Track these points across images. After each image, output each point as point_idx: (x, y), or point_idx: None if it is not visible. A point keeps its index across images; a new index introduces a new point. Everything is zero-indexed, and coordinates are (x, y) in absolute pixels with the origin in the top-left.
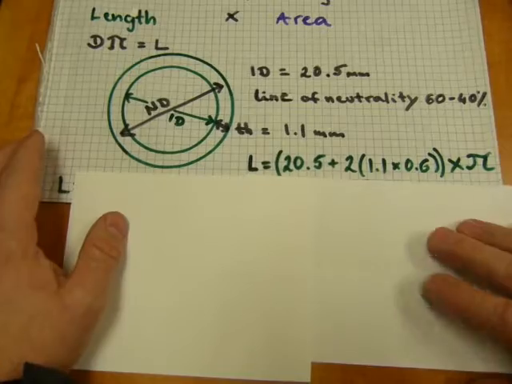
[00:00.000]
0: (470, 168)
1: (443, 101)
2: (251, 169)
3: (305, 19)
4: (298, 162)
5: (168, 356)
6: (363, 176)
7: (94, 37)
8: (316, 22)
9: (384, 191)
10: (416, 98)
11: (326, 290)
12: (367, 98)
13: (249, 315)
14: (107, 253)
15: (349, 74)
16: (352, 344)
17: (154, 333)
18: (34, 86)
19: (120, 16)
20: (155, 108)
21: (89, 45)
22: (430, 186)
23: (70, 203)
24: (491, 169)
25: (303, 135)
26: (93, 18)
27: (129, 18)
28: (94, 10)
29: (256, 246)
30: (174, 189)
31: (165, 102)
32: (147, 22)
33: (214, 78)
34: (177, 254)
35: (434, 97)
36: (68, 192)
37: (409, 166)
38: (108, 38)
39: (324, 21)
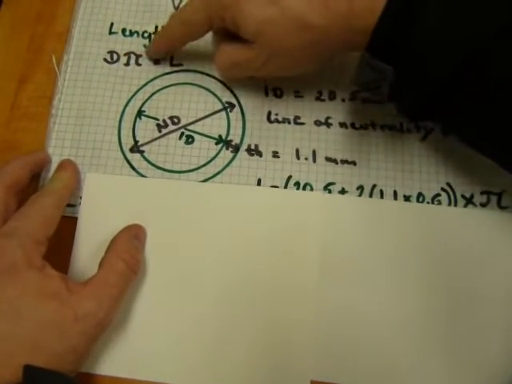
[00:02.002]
0: (483, 205)
1: None
2: None
3: None
4: (308, 189)
5: (168, 364)
6: None
7: (111, 52)
8: None
9: (395, 212)
10: (432, 129)
11: (330, 308)
12: (382, 127)
13: (250, 329)
14: (130, 266)
15: (364, 101)
16: (353, 365)
17: (155, 340)
18: (35, 87)
19: (137, 32)
20: (166, 126)
21: (105, 60)
22: (442, 210)
23: (75, 217)
24: (506, 208)
25: (314, 161)
26: (110, 32)
27: (146, 34)
28: (112, 24)
29: (261, 259)
30: (183, 195)
31: (176, 120)
32: None
33: (227, 96)
34: (182, 261)
35: None
36: (74, 206)
37: (420, 199)
38: (124, 55)
39: None
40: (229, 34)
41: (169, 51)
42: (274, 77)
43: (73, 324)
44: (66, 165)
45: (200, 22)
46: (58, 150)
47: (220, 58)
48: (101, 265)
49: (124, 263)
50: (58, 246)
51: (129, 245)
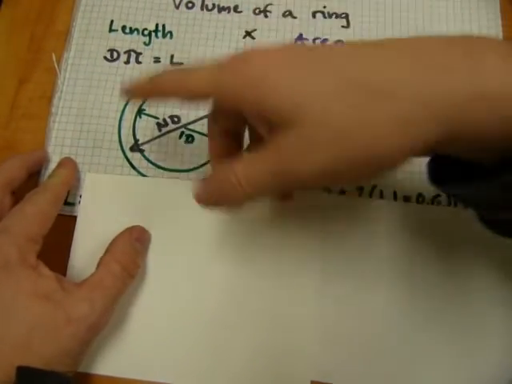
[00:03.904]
0: None
1: None
2: None
3: (323, 41)
4: None
5: (168, 365)
6: None
7: (111, 50)
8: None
9: (394, 212)
10: None
11: (330, 308)
12: None
13: (251, 329)
14: (127, 270)
15: None
16: (353, 366)
17: (154, 340)
18: (35, 87)
19: (137, 29)
20: (166, 125)
21: (105, 58)
22: (442, 210)
23: (75, 216)
24: None
25: None
26: (110, 30)
27: (146, 32)
28: (112, 22)
29: (262, 259)
30: (183, 194)
31: (176, 119)
32: (164, 36)
33: None
34: (182, 261)
35: None
36: (73, 204)
37: (420, 200)
38: (124, 52)
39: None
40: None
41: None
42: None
43: (65, 327)
44: (65, 162)
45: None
46: (57, 149)
47: (252, 172)
48: (98, 266)
49: (121, 266)
50: (57, 245)
51: (128, 247)
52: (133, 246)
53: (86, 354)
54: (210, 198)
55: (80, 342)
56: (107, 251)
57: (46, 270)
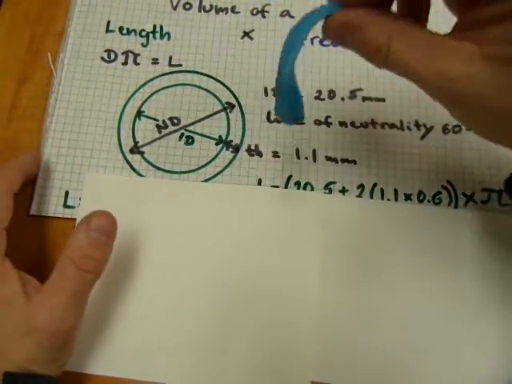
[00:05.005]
0: (484, 203)
1: (460, 131)
2: None
3: (321, 40)
4: (308, 188)
5: (166, 365)
6: None
7: (108, 51)
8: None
9: (395, 212)
10: (432, 127)
11: (330, 308)
12: (382, 125)
13: (250, 329)
14: (81, 267)
15: (364, 99)
16: (354, 366)
17: (153, 341)
18: (34, 87)
19: (135, 30)
20: (166, 127)
21: (102, 59)
22: (442, 211)
23: (74, 219)
24: (506, 205)
25: (314, 160)
26: (107, 31)
27: (143, 33)
28: (109, 22)
29: (262, 259)
30: (183, 195)
31: (176, 121)
32: (161, 37)
33: (226, 97)
34: (181, 262)
35: (450, 127)
36: (73, 207)
37: (421, 197)
38: (122, 53)
39: None
40: None
41: None
42: None
43: (27, 335)
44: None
45: None
46: (54, 150)
47: None
48: (55, 266)
49: (73, 264)
50: (57, 248)
51: (83, 240)
52: (90, 237)
53: (69, 352)
54: (339, 32)
55: (49, 348)
56: (64, 246)
57: (10, 271)
